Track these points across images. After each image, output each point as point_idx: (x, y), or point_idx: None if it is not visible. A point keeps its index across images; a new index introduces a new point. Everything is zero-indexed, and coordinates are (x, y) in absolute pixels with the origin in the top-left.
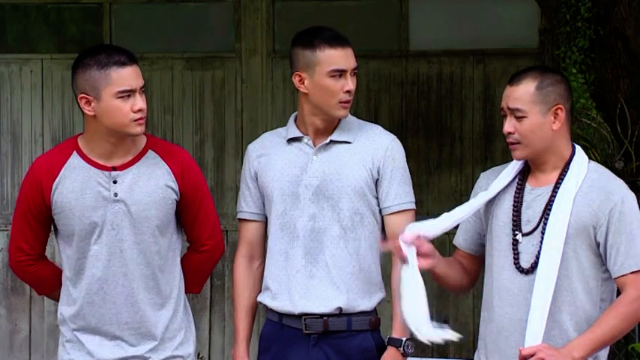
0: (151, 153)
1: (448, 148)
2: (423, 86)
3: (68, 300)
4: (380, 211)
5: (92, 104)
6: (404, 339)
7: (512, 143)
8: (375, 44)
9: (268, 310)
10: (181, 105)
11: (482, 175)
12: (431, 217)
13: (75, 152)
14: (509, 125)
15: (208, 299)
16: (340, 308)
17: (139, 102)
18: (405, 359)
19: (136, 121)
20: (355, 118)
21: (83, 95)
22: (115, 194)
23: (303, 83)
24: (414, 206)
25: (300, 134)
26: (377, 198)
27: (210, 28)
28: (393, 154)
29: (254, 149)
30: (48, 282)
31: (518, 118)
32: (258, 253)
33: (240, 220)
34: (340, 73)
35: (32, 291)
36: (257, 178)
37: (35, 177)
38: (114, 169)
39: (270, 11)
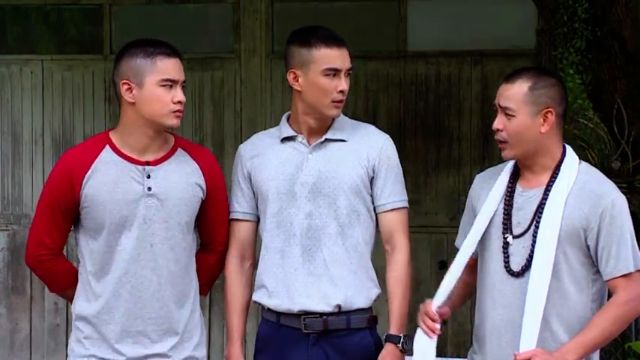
0: (180, 151)
1: (446, 149)
2: (421, 87)
3: (88, 296)
4: (374, 208)
5: (134, 91)
6: (402, 335)
7: (501, 142)
8: (374, 45)
9: (265, 309)
10: None
11: (477, 177)
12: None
13: (107, 146)
14: (498, 122)
15: (208, 298)
16: (339, 305)
17: (180, 94)
18: (403, 355)
19: (174, 112)
20: (348, 118)
21: (126, 81)
22: (149, 188)
23: (298, 81)
24: (407, 204)
25: (294, 133)
26: (371, 196)
27: (210, 29)
28: (387, 153)
29: (246, 150)
30: (64, 279)
31: (508, 117)
32: (250, 254)
33: (231, 220)
34: (334, 73)
35: (33, 290)
36: (250, 178)
37: (65, 170)
38: (147, 163)
39: (269, 12)
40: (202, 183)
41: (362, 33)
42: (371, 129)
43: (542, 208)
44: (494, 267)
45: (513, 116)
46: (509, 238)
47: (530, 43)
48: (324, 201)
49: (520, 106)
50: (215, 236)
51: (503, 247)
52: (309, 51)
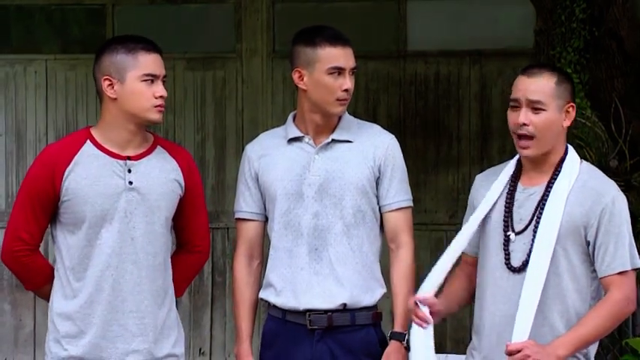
0: (160, 148)
1: (445, 148)
2: (421, 86)
3: (66, 292)
4: (379, 208)
5: (115, 87)
6: (406, 333)
7: (525, 137)
8: (374, 45)
9: (271, 306)
10: (183, 105)
11: (478, 177)
12: (429, 217)
13: (88, 141)
14: (524, 117)
15: (210, 295)
16: (344, 304)
17: (161, 89)
18: (408, 352)
19: (156, 107)
20: (353, 117)
21: (107, 77)
22: (130, 182)
23: (303, 80)
24: (411, 204)
25: (301, 134)
26: (377, 196)
27: (211, 29)
28: (393, 153)
29: (254, 150)
30: (39, 275)
31: (536, 111)
32: (258, 253)
33: (239, 219)
34: (339, 71)
35: None
36: (258, 179)
37: (47, 163)
38: (128, 158)
39: (270, 12)
40: (181, 180)
41: (362, 33)
42: (376, 129)
43: (544, 205)
44: (494, 263)
45: (544, 110)
46: (512, 235)
47: (529, 42)
48: (330, 201)
49: (550, 100)
50: (193, 236)
51: (504, 244)
52: (314, 50)
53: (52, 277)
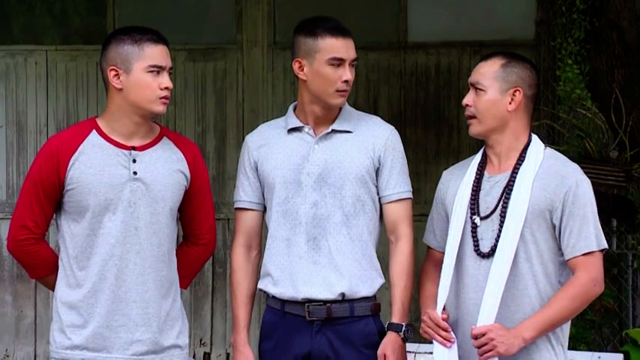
0: (166, 139)
1: (446, 138)
2: (422, 77)
3: (70, 281)
4: (379, 199)
5: (121, 77)
6: (404, 324)
7: (469, 117)
8: (375, 36)
9: (270, 297)
10: (184, 96)
11: (445, 172)
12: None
13: (94, 131)
14: (468, 98)
15: (210, 286)
16: (343, 294)
17: (167, 80)
18: (405, 344)
19: (161, 98)
20: (353, 109)
21: (113, 67)
22: (135, 172)
23: (303, 70)
24: (411, 195)
25: (301, 124)
26: (376, 186)
27: (212, 20)
28: (393, 144)
29: (253, 140)
30: (45, 264)
31: (478, 92)
32: (256, 243)
33: (238, 209)
34: (339, 62)
35: None
36: (257, 168)
37: (52, 152)
38: (133, 148)
39: (270, 3)
40: (187, 172)
41: (363, 24)
42: (377, 120)
43: (509, 190)
44: (464, 251)
45: (483, 91)
46: (477, 220)
47: (530, 33)
48: (329, 190)
49: (491, 82)
50: (198, 228)
51: (472, 230)
52: (315, 41)
53: (57, 267)
